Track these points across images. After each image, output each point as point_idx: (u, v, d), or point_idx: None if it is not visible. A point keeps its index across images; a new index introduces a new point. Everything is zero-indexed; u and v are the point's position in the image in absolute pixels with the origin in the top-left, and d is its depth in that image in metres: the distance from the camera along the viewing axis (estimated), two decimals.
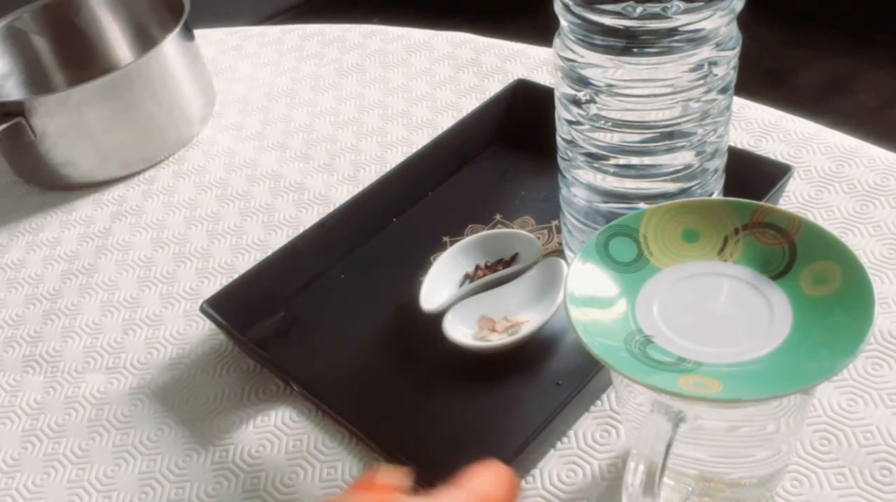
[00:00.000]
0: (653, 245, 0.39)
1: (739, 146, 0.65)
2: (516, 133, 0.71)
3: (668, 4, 0.44)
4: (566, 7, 0.47)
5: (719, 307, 0.37)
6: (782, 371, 0.33)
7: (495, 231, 0.63)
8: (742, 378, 0.34)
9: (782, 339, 0.35)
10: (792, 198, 0.63)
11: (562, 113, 0.52)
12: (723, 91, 0.49)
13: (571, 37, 0.48)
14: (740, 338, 0.35)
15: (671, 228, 0.39)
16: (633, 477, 0.34)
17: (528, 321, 0.55)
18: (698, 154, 0.51)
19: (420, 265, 0.61)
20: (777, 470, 0.43)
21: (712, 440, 0.39)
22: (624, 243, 0.39)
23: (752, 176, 0.58)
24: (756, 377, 0.34)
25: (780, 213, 0.39)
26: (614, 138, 0.50)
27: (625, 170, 0.51)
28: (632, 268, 0.38)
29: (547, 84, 0.73)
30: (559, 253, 0.60)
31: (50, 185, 0.80)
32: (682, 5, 0.44)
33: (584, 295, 0.37)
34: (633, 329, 0.36)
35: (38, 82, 0.87)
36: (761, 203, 0.40)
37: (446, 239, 0.64)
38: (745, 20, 0.48)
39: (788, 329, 0.35)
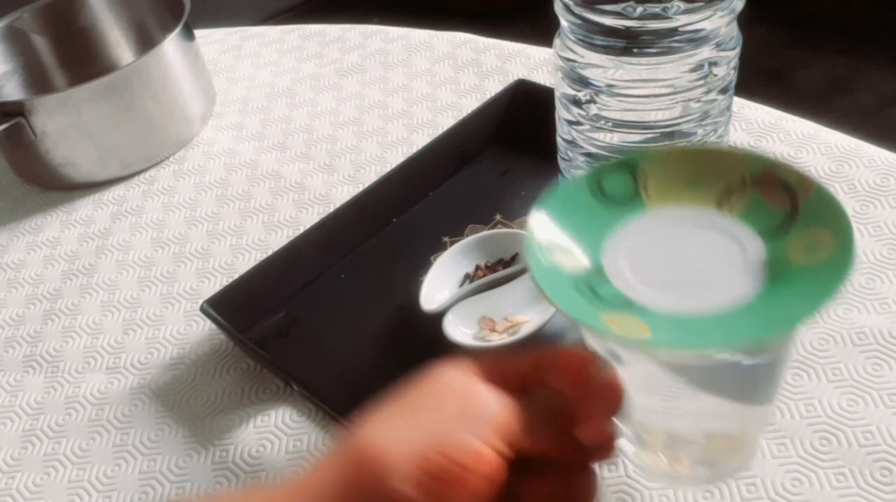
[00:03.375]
0: (651, 184, 0.36)
1: (739, 146, 0.65)
2: (516, 133, 0.71)
3: (668, 4, 0.44)
4: (566, 7, 0.47)
5: (694, 257, 0.35)
6: (721, 329, 0.32)
7: (495, 231, 0.63)
8: (677, 327, 0.32)
9: (743, 300, 0.33)
10: None
11: (562, 113, 0.52)
12: (723, 91, 0.49)
13: (571, 37, 0.48)
14: (701, 292, 0.33)
15: (676, 170, 0.37)
16: None
17: (528, 321, 0.55)
18: None
19: (420, 265, 0.61)
20: (748, 427, 0.42)
21: (676, 392, 0.37)
22: (620, 178, 0.36)
23: None
24: (691, 329, 0.32)
25: (794, 171, 0.36)
26: (614, 138, 0.50)
27: None
28: (619, 203, 0.36)
29: (547, 84, 0.73)
30: None
31: (50, 185, 0.80)
32: (683, 5, 0.44)
33: (559, 216, 0.35)
34: (591, 262, 0.34)
35: (38, 82, 0.87)
36: (776, 157, 0.37)
37: (446, 239, 0.64)
38: (745, 20, 0.48)
39: (755, 292, 0.33)
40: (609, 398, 0.35)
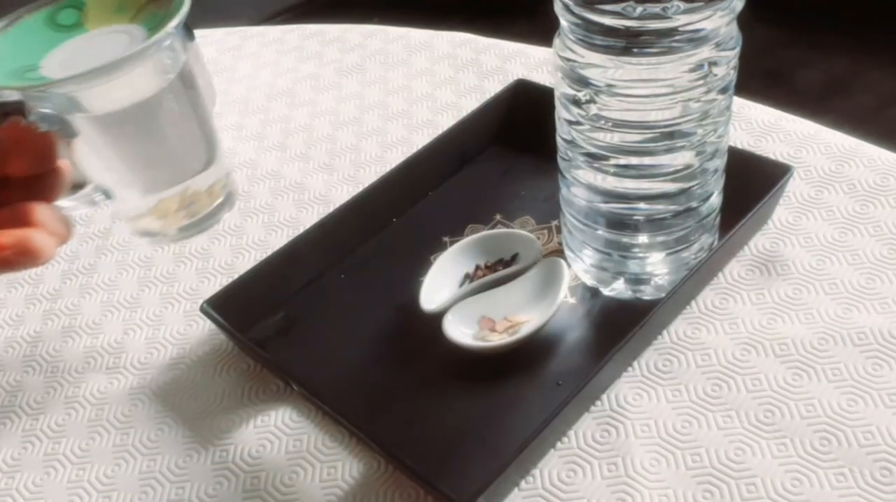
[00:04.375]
0: (90, 14, 0.47)
1: (739, 146, 0.65)
2: (516, 133, 0.71)
3: (668, 4, 0.44)
4: (566, 7, 0.47)
5: (101, 52, 0.45)
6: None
7: (495, 231, 0.63)
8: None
9: None
10: (792, 198, 0.63)
11: (562, 113, 0.52)
12: (723, 91, 0.49)
13: (571, 37, 0.48)
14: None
15: (108, 2, 0.48)
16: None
17: (528, 321, 0.55)
18: (698, 154, 0.51)
19: (420, 265, 0.61)
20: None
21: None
22: (68, 12, 0.48)
23: (752, 176, 0.58)
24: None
25: None
26: (614, 138, 0.50)
27: (625, 170, 0.51)
28: (67, 30, 0.47)
29: (547, 84, 0.73)
30: (559, 253, 0.60)
31: None
32: (682, 5, 0.44)
33: (21, 38, 0.46)
34: (33, 64, 0.45)
35: None
36: None
37: (446, 239, 0.64)
38: (745, 20, 0.48)
39: None
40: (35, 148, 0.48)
